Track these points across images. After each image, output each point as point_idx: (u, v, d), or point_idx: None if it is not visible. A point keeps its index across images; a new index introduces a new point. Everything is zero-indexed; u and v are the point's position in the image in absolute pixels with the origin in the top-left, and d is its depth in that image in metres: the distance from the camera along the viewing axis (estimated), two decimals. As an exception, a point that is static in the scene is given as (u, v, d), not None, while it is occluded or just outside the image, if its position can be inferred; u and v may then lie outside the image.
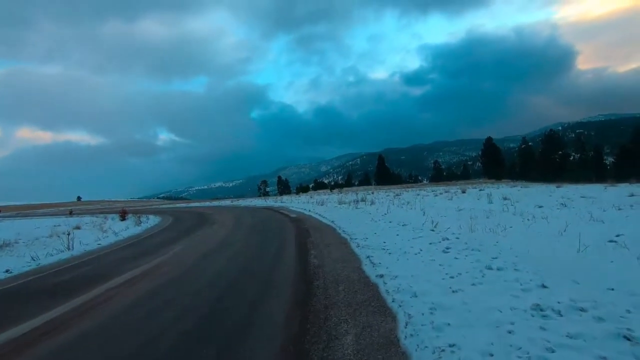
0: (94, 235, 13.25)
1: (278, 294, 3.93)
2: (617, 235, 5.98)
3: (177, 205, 56.21)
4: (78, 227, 17.80)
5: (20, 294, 5.06)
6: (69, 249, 9.92)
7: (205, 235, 10.71)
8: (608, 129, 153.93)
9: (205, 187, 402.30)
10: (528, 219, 8.66)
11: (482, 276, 3.59)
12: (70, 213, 44.71)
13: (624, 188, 20.10)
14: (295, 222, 12.29)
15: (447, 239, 5.83)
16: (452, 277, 3.66)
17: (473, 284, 3.39)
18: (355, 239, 6.94)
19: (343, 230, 8.36)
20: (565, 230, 6.60)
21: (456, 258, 4.48)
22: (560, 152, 67.76)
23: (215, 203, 47.74)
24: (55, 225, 20.71)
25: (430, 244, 5.60)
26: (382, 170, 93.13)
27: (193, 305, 3.82)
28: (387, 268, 4.31)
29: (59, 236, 13.19)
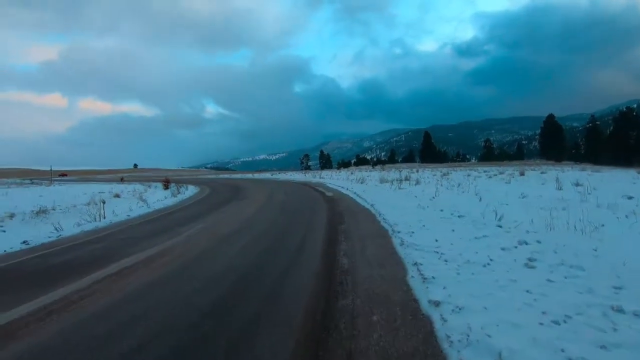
0: (130, 204, 13.07)
1: (284, 319, 2.78)
2: None
3: (221, 176, 57.59)
4: (117, 196, 18.06)
5: (22, 271, 4.44)
6: (96, 219, 9.65)
7: (232, 212, 9.92)
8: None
9: (250, 159, 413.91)
10: (625, 216, 6.75)
11: (614, 329, 2.15)
12: (122, 180, 47.28)
13: None
14: (329, 202, 11.10)
15: (526, 243, 4.31)
16: (557, 324, 2.25)
17: (602, 347, 1.98)
18: (399, 231, 5.59)
19: (383, 218, 7.02)
20: (691, 237, 4.80)
21: (550, 281, 3.01)
22: (635, 133, 59.69)
23: (257, 175, 48.03)
24: (100, 192, 21.43)
25: (503, 249, 4.11)
26: (428, 147, 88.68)
27: (171, 323, 2.80)
28: (444, 289, 2.97)
29: (96, 204, 13.11)
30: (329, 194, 13.89)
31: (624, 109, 71.17)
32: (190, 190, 20.53)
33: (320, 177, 28.77)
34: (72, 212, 11.70)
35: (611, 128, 65.68)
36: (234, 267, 4.32)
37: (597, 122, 72.57)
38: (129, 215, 10.31)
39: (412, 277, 3.48)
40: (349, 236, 5.68)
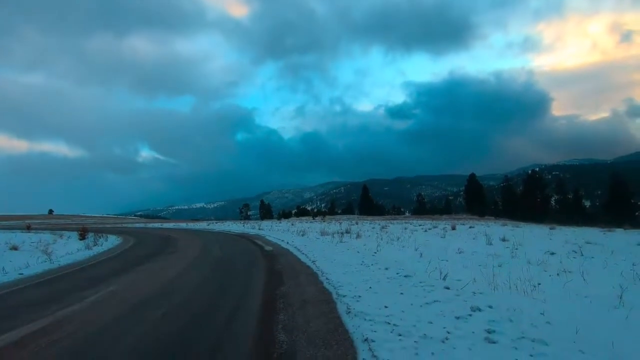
0: (29, 259, 10.89)
1: None
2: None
3: (150, 225, 52.80)
4: (15, 248, 15.19)
5: None
6: (-27, 280, 7.70)
7: (155, 270, 8.60)
8: (583, 173, 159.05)
9: (186, 207, 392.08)
10: (556, 274, 7.00)
11: None
12: (28, 228, 40.85)
13: (623, 234, 19.03)
14: (268, 258, 10.26)
15: (479, 310, 4.01)
16: None
17: None
18: (344, 295, 5.04)
19: (326, 278, 6.44)
20: (621, 298, 4.94)
21: (517, 361, 2.67)
22: (541, 193, 68.23)
23: (191, 225, 44.85)
24: (-7, 244, 17.96)
25: (457, 318, 3.75)
26: (366, 200, 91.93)
27: None
28: (404, 379, 2.45)
29: (-18, 259, 10.74)
30: (268, 247, 13.02)
31: (530, 172, 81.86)
32: (111, 241, 18.17)
33: (259, 229, 27.56)
34: (-58, 270, 9.35)
35: (521, 188, 74.38)
36: (139, 352, 3.37)
37: (510, 182, 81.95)
38: (21, 274, 8.47)
39: (364, 358, 2.91)
40: (288, 302, 4.97)
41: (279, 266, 8.51)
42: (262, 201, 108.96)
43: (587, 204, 75.31)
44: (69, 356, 3.33)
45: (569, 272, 7.26)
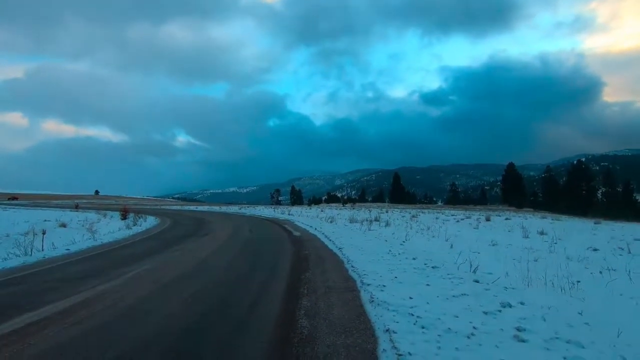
0: (75, 236, 11.70)
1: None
2: None
3: (186, 207, 55.17)
4: (64, 225, 16.37)
5: None
6: (27, 253, 8.39)
7: (188, 250, 8.97)
8: (636, 164, 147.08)
9: (220, 191, 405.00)
10: (598, 271, 6.55)
11: None
12: (76, 207, 43.97)
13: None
14: (296, 243, 10.39)
15: (509, 306, 3.83)
16: None
17: None
18: (368, 284, 4.99)
19: (352, 266, 6.41)
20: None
21: (548, 363, 2.51)
22: (587, 185, 64.08)
23: (224, 209, 46.31)
24: (45, 220, 19.48)
25: (485, 313, 3.60)
26: (397, 188, 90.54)
27: None
28: (425, 373, 2.38)
29: (36, 234, 11.67)
30: (297, 233, 13.19)
31: (575, 162, 76.84)
32: (149, 222, 19.15)
33: (289, 214, 27.96)
34: (1, 243, 10.25)
35: (564, 179, 70.23)
36: (167, 330, 3.52)
37: (552, 173, 77.54)
38: (68, 250, 9.10)
39: (384, 350, 2.86)
40: (312, 288, 5.01)
41: (305, 252, 8.59)
42: (293, 187, 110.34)
43: (639, 198, 69.73)
44: (105, 327, 3.55)
45: (613, 270, 6.77)
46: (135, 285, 5.33)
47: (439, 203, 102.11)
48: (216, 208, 49.03)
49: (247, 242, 10.71)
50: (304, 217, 22.90)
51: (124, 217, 20.98)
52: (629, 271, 6.23)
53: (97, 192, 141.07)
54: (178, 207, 55.20)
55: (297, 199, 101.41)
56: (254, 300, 4.52)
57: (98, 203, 72.26)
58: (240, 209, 46.74)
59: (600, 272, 6.47)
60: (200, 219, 22.15)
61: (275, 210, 37.93)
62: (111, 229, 15.25)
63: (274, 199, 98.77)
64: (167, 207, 53.61)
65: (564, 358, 2.62)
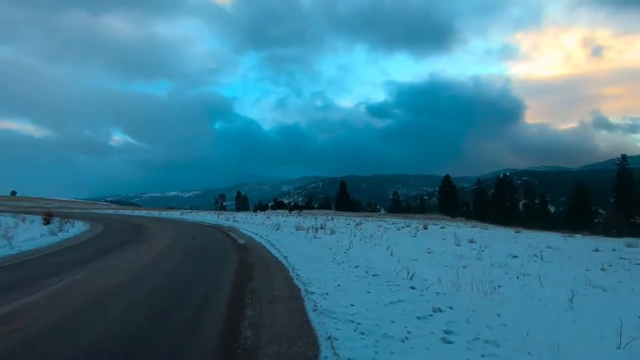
0: (-16, 244, 10.35)
1: None
2: (642, 317, 4.73)
3: (121, 212, 51.20)
4: (-29, 231, 14.40)
5: None
6: None
7: (123, 260, 8.40)
8: (550, 179, 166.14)
9: (160, 194, 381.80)
10: (516, 276, 7.37)
11: None
12: (-13, 209, 38.79)
13: (581, 240, 20.19)
14: (240, 251, 10.23)
15: (440, 310, 4.20)
16: None
17: None
18: (312, 292, 5.13)
19: (297, 274, 6.50)
20: (571, 301, 5.28)
21: (469, 360, 2.83)
22: (510, 197, 70.98)
23: (164, 214, 43.78)
24: (-54, 226, 16.94)
25: (419, 318, 3.92)
26: (344, 196, 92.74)
27: None
28: (363, 377, 2.55)
29: None
30: (242, 241, 12.97)
31: (501, 176, 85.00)
32: (77, 228, 17.53)
33: (234, 220, 27.30)
34: None
35: (492, 191, 77.11)
36: (101, 344, 3.32)
37: (482, 185, 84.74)
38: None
39: (326, 357, 2.99)
40: (257, 297, 5.01)
41: (250, 260, 8.51)
42: (238, 192, 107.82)
43: (552, 209, 79.00)
44: (23, 351, 3.24)
45: (528, 275, 7.65)
46: (64, 298, 4.91)
47: (382, 211, 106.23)
48: (155, 213, 46.20)
49: (189, 251, 10.31)
50: (250, 224, 22.54)
51: (47, 222, 19.00)
52: (540, 276, 7.09)
53: (14, 192, 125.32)
54: (112, 212, 51.08)
55: (242, 204, 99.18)
56: (197, 311, 4.42)
57: (15, 205, 64.12)
58: (182, 214, 44.55)
59: (517, 277, 7.30)
60: (138, 225, 20.80)
61: (220, 216, 36.76)
62: (32, 235, 13.77)
63: (219, 204, 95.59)
64: (99, 211, 49.36)
65: (482, 356, 2.97)
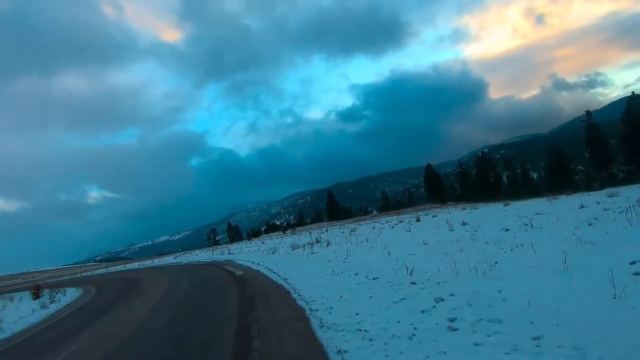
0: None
1: None
2: (633, 262, 4.90)
3: (112, 269, 49.58)
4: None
5: None
6: None
7: (120, 319, 8.13)
8: (526, 148, 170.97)
9: (149, 243, 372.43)
10: (510, 250, 7.51)
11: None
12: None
13: (566, 200, 20.73)
14: (239, 283, 10.07)
15: (442, 300, 4.24)
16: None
17: None
18: (317, 309, 5.09)
19: (299, 294, 6.45)
20: (565, 262, 5.42)
21: (477, 344, 2.85)
22: (493, 172, 72.56)
23: (157, 261, 42.64)
24: None
25: (423, 312, 3.95)
26: (333, 205, 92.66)
27: None
28: (376, 384, 2.55)
29: None
30: (239, 272, 12.76)
31: (480, 154, 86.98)
32: (70, 295, 16.96)
33: (229, 253, 26.86)
34: None
35: (474, 170, 78.72)
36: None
37: (464, 167, 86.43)
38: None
39: (339, 372, 2.99)
40: (262, 327, 4.93)
41: (250, 290, 8.38)
42: (229, 224, 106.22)
43: (535, 175, 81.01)
44: None
45: (522, 245, 7.80)
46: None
47: (374, 212, 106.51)
48: (148, 262, 44.99)
49: (186, 295, 10.07)
50: (245, 254, 22.22)
51: (36, 296, 18.28)
52: (532, 244, 7.25)
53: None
54: (103, 271, 49.40)
55: (235, 235, 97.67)
56: (201, 355, 4.32)
57: (-1, 286, 61.33)
58: (175, 258, 43.51)
59: (512, 250, 7.43)
60: (130, 279, 20.19)
61: (214, 251, 36.10)
62: (22, 313, 13.24)
63: (211, 240, 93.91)
64: (89, 273, 47.69)
65: (487, 336, 3.02)
